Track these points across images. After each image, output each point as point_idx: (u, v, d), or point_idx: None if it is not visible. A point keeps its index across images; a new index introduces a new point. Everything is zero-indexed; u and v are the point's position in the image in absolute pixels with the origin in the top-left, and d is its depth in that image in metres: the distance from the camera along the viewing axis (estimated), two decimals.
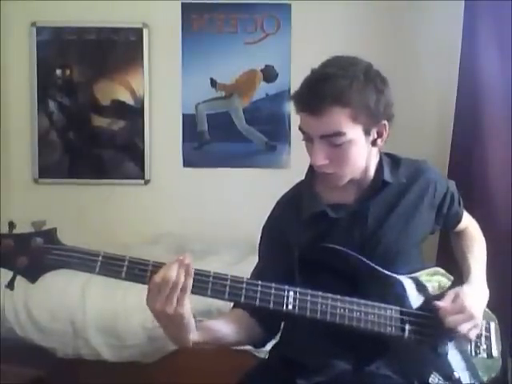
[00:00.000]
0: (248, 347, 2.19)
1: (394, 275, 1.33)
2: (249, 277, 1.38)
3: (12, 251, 1.16)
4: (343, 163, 1.29)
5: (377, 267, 1.31)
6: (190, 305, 1.17)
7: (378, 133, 1.31)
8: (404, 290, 1.33)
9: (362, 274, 1.31)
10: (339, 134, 1.24)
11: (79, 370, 2.30)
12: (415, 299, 1.34)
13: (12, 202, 2.96)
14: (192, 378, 2.25)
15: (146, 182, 3.09)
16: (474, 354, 1.37)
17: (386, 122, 1.31)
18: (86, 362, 2.30)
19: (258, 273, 1.42)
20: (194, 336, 1.22)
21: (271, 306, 1.21)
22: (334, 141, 1.25)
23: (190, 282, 1.16)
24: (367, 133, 1.28)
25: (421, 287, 1.36)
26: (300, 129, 1.30)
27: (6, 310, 2.30)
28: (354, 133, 1.25)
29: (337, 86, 1.22)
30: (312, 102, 1.24)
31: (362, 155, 1.31)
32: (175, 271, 1.15)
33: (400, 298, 1.32)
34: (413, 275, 1.37)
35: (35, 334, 2.31)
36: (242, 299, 1.21)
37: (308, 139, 1.29)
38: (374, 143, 1.32)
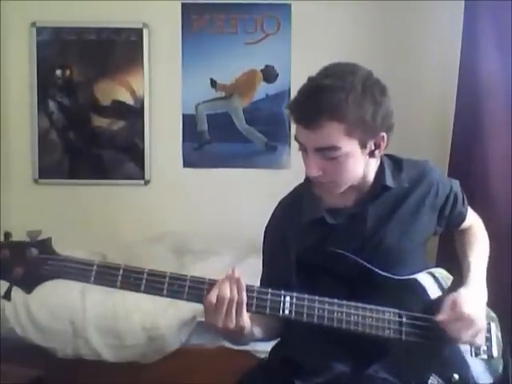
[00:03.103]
0: (248, 347, 2.21)
1: (395, 277, 1.33)
2: (249, 277, 1.39)
3: (8, 262, 1.17)
4: (338, 175, 1.28)
5: (376, 270, 1.31)
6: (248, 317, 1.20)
7: (375, 144, 1.29)
8: (413, 288, 1.34)
9: (363, 277, 1.30)
10: (334, 148, 1.23)
11: (79, 370, 2.30)
12: (414, 300, 1.34)
13: (12, 202, 2.97)
14: (192, 378, 2.25)
15: (146, 182, 3.09)
16: (474, 355, 1.36)
17: (384, 134, 1.28)
18: (86, 362, 2.31)
19: (265, 278, 1.43)
20: (248, 336, 1.26)
21: (267, 311, 1.22)
22: (328, 154, 1.24)
23: (244, 295, 1.18)
24: (363, 146, 1.26)
25: (437, 282, 1.37)
26: (296, 139, 1.29)
27: (6, 310, 2.30)
28: (349, 147, 1.24)
29: (333, 99, 1.19)
30: (307, 115, 1.22)
31: (359, 166, 1.29)
32: (228, 288, 1.17)
33: (402, 299, 1.32)
34: (430, 270, 1.38)
35: (35, 334, 2.31)
36: None
37: (303, 149, 1.28)
38: (371, 154, 1.30)
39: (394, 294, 1.31)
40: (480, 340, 1.32)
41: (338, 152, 1.23)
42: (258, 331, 1.31)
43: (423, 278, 1.37)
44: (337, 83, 1.21)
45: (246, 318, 1.19)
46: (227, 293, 1.17)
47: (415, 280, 1.35)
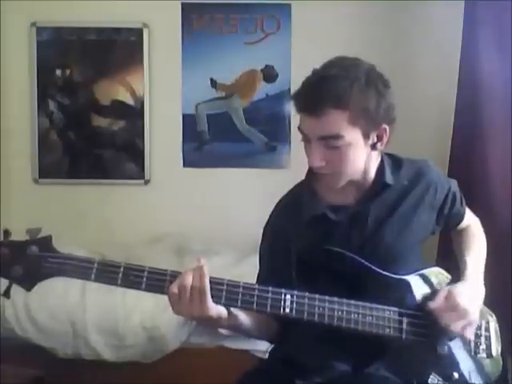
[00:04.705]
0: (248, 347, 2.21)
1: (395, 276, 1.33)
2: (249, 277, 1.39)
3: (8, 260, 1.17)
4: (340, 165, 1.28)
5: (375, 268, 1.31)
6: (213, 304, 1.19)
7: (377, 136, 1.30)
8: (409, 289, 1.33)
9: (362, 275, 1.30)
10: (337, 136, 1.24)
11: (79, 370, 2.30)
12: (420, 297, 1.34)
13: (12, 201, 2.97)
14: (192, 378, 2.26)
15: (146, 182, 3.09)
16: (473, 353, 1.36)
17: (386, 126, 1.29)
18: (86, 362, 2.31)
19: (263, 276, 1.42)
20: (224, 322, 1.24)
21: (268, 309, 1.21)
22: (331, 143, 1.25)
23: (206, 282, 1.18)
24: (366, 136, 1.28)
25: (430, 284, 1.36)
26: (299, 129, 1.30)
27: (6, 310, 2.30)
28: (352, 136, 1.25)
29: (337, 88, 1.21)
30: (311, 102, 1.23)
31: (361, 158, 1.31)
32: (190, 277, 1.18)
33: (402, 298, 1.32)
34: (421, 272, 1.37)
35: (35, 334, 2.31)
36: (239, 304, 1.21)
37: (306, 140, 1.29)
38: (373, 147, 1.31)
39: (391, 293, 1.31)
40: (470, 334, 1.32)
41: (341, 141, 1.24)
42: (246, 321, 1.30)
43: (413, 280, 1.36)
44: (341, 73, 1.23)
45: (210, 305, 1.18)
46: (189, 281, 1.17)
47: (406, 281, 1.35)
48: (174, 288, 1.17)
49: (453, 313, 1.28)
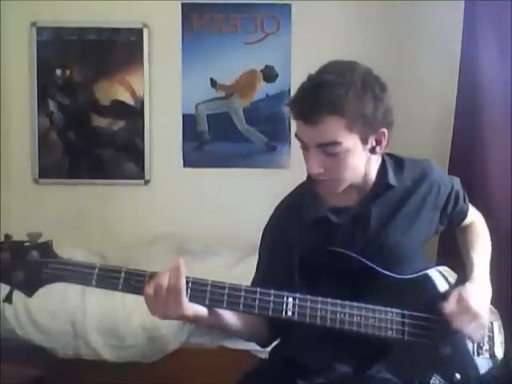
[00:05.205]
0: (248, 347, 2.20)
1: (397, 276, 1.32)
2: (249, 277, 1.38)
3: (9, 265, 1.16)
4: (339, 172, 1.27)
5: (378, 268, 1.30)
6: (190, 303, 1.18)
7: (376, 141, 1.29)
8: (411, 290, 1.33)
9: (365, 276, 1.30)
10: (335, 143, 1.22)
11: (79, 370, 2.30)
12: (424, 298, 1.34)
13: (12, 201, 2.97)
14: (192, 378, 2.26)
15: (146, 182, 3.09)
16: (476, 354, 1.36)
17: (384, 130, 1.28)
18: (86, 362, 2.31)
19: (260, 278, 1.41)
20: (205, 321, 1.24)
21: (270, 313, 1.21)
22: (329, 150, 1.23)
23: (182, 282, 1.16)
24: (364, 141, 1.26)
25: (432, 285, 1.36)
26: (296, 136, 1.29)
27: (6, 311, 2.30)
28: (350, 142, 1.23)
29: (333, 94, 1.19)
30: (307, 110, 1.22)
31: (360, 163, 1.29)
32: (167, 277, 1.16)
33: (404, 298, 1.31)
34: (424, 273, 1.37)
35: (35, 335, 2.31)
36: (241, 308, 1.21)
37: (304, 147, 1.28)
38: (372, 151, 1.30)
39: (398, 293, 1.31)
40: (480, 335, 1.32)
41: (339, 147, 1.23)
42: (234, 322, 1.29)
43: (433, 274, 1.36)
44: (337, 79, 1.21)
45: (186, 305, 1.17)
46: (165, 282, 1.15)
47: (426, 276, 1.35)
48: (150, 289, 1.16)
49: (465, 315, 1.28)
